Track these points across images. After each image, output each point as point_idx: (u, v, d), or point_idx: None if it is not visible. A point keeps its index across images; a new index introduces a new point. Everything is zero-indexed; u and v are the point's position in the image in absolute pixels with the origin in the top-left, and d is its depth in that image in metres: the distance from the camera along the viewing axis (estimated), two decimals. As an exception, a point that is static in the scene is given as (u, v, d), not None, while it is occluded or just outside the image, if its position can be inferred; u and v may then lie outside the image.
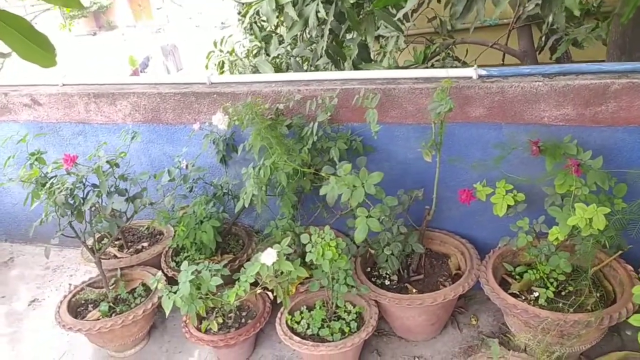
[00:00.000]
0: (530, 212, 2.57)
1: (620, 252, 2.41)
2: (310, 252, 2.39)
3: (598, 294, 2.45)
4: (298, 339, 2.54)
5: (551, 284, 2.52)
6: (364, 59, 4.38)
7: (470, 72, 2.66)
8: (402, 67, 4.82)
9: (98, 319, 2.84)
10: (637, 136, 2.45)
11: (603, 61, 3.77)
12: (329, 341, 2.53)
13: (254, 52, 5.87)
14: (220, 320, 2.79)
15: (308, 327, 2.65)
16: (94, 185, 2.77)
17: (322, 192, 2.35)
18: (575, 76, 2.50)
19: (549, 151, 2.43)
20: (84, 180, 2.70)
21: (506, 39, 5.14)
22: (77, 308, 3.02)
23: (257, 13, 5.86)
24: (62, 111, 3.46)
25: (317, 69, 4.53)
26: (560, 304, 2.39)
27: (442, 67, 4.79)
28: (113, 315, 2.87)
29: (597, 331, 2.34)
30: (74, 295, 3.03)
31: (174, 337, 3.11)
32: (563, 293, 2.51)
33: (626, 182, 2.41)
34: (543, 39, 5.04)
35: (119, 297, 3.02)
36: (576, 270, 2.54)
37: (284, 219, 2.89)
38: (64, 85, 3.50)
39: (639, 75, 2.39)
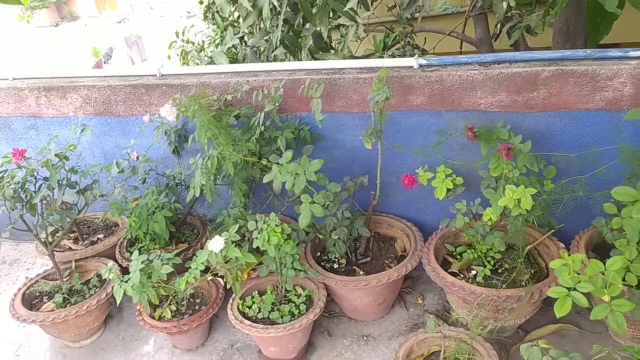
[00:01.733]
0: (469, 194, 2.70)
1: (552, 230, 2.56)
2: (256, 238, 2.47)
3: (532, 271, 2.59)
4: (248, 322, 2.62)
5: (488, 262, 2.65)
6: (320, 49, 4.44)
7: (411, 61, 2.76)
8: (362, 56, 4.91)
9: (52, 310, 2.88)
10: (567, 120, 2.58)
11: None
12: (279, 324, 2.62)
13: (216, 41, 5.87)
14: (173, 307, 2.86)
15: (259, 311, 2.73)
16: (46, 179, 2.79)
17: (265, 180, 2.42)
18: (509, 64, 2.62)
19: (483, 136, 2.54)
20: (35, 173, 2.72)
21: (463, 26, 5.27)
22: (32, 300, 3.04)
23: (214, 2, 5.87)
24: (12, 105, 3.45)
25: (274, 59, 4.59)
26: (495, 281, 2.52)
27: (402, 55, 4.89)
28: (67, 306, 2.91)
29: (529, 305, 2.48)
30: (28, 288, 3.05)
31: (130, 326, 3.16)
32: (499, 271, 2.64)
33: (557, 164, 2.55)
34: (498, 26, 5.18)
35: (73, 288, 3.06)
36: (512, 249, 2.68)
37: (236, 207, 2.95)
38: (14, 79, 3.49)
39: (568, 63, 2.52)
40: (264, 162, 2.50)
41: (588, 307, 1.84)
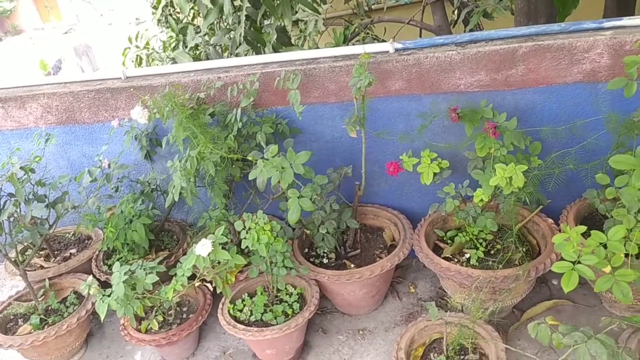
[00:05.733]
0: (455, 177, 2.67)
1: (540, 207, 2.54)
2: (245, 238, 2.37)
3: (524, 249, 2.57)
4: (242, 326, 2.53)
5: (480, 244, 2.63)
6: (283, 44, 4.36)
7: (387, 46, 2.71)
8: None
9: (30, 333, 2.71)
10: (547, 95, 2.57)
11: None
12: (273, 325, 2.53)
13: (172, 45, 5.71)
14: (160, 318, 2.73)
15: (251, 314, 2.63)
16: (10, 195, 2.63)
17: (251, 176, 2.33)
18: (486, 43, 2.59)
19: (467, 117, 2.51)
20: (-1, 190, 2.55)
21: (421, 15, 5.28)
22: (6, 324, 2.86)
23: (171, 4, 5.72)
24: (-33, 120, 3.24)
25: (237, 56, 4.48)
26: (490, 262, 2.50)
27: (362, 45, 4.86)
28: (45, 327, 2.74)
29: (525, 284, 2.47)
30: (1, 311, 2.87)
31: (113, 342, 3.01)
32: (492, 252, 2.62)
33: (540, 140, 2.54)
34: (455, 12, 5.21)
35: (49, 308, 2.89)
36: (502, 229, 2.66)
37: (217, 209, 2.84)
38: (-34, 92, 3.28)
39: (544, 38, 2.51)
40: (250, 157, 2.40)
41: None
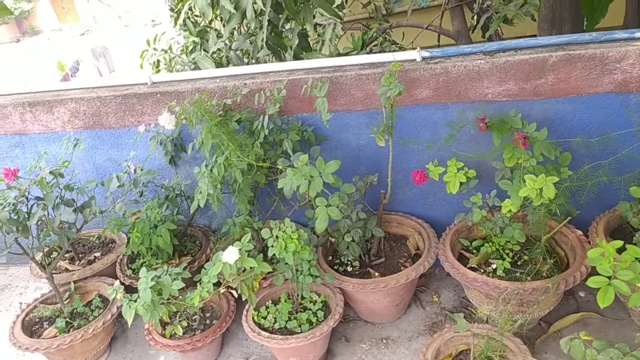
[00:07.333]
0: (482, 187, 2.65)
1: (569, 218, 2.51)
2: (272, 246, 2.37)
3: (552, 261, 2.54)
4: (267, 334, 2.52)
5: (507, 254, 2.60)
6: (304, 49, 4.36)
7: (414, 54, 2.70)
8: (343, 54, 4.85)
9: (55, 336, 2.73)
10: (577, 105, 2.54)
11: (534, 36, 3.91)
12: (298, 333, 2.52)
13: (190, 48, 5.74)
14: (184, 323, 2.74)
15: (275, 321, 2.63)
16: (38, 198, 2.65)
17: (279, 185, 2.33)
18: (515, 52, 2.57)
19: (495, 127, 2.49)
20: (26, 194, 2.57)
21: (440, 20, 5.25)
22: (31, 327, 2.88)
23: (190, 8, 5.74)
24: (-5, 123, 3.28)
25: (257, 61, 4.49)
26: (518, 274, 2.47)
27: (381, 51, 4.85)
28: (71, 330, 2.76)
29: (554, 296, 2.44)
30: (27, 314, 2.90)
31: (136, 346, 3.03)
32: (519, 263, 2.60)
33: (570, 150, 2.51)
34: (475, 18, 5.17)
35: (75, 311, 2.91)
36: (530, 240, 2.63)
37: (241, 215, 2.84)
38: (-6, 96, 3.32)
39: (575, 47, 2.48)
40: (280, 166, 2.40)
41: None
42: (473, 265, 2.62)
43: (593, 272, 1.95)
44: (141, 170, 2.88)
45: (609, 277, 1.80)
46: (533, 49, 2.56)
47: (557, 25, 3.75)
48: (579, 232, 2.58)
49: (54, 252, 3.31)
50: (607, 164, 2.37)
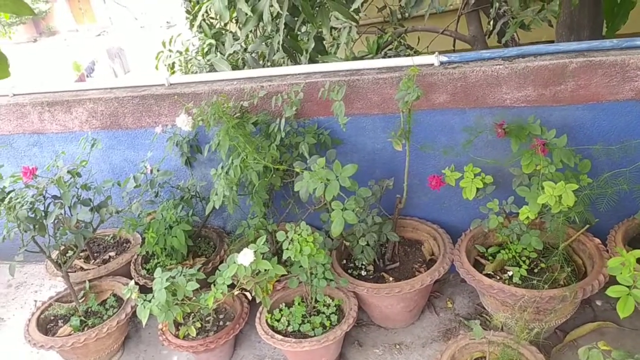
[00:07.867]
0: (499, 193, 2.63)
1: (587, 226, 2.48)
2: (287, 249, 2.36)
3: (569, 269, 2.52)
4: (280, 337, 2.52)
5: (524, 262, 2.58)
6: (320, 52, 4.36)
7: (432, 59, 2.68)
8: (358, 58, 4.84)
9: (70, 334, 2.75)
10: (597, 112, 2.52)
11: (551, 42, 3.88)
12: (311, 336, 2.51)
13: (206, 50, 5.76)
14: (198, 324, 2.74)
15: (288, 324, 2.63)
16: (55, 197, 2.67)
17: (296, 188, 2.32)
18: (534, 57, 2.55)
19: (514, 132, 2.47)
20: (44, 192, 2.59)
21: (456, 25, 5.22)
22: (46, 325, 2.91)
23: (207, 11, 5.76)
24: (14, 122, 3.31)
25: (273, 63, 4.50)
26: (535, 281, 2.45)
27: (396, 55, 4.84)
28: (85, 329, 2.78)
29: (571, 305, 2.41)
30: (42, 312, 2.92)
31: (149, 346, 3.04)
32: (535, 270, 2.57)
33: (590, 157, 2.48)
34: (491, 23, 5.14)
35: (89, 309, 2.93)
36: (547, 247, 2.60)
37: (256, 217, 2.85)
38: (14, 95, 3.35)
39: (595, 54, 2.46)
40: (297, 169, 2.40)
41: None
42: (489, 272, 2.60)
43: (611, 281, 1.92)
44: (157, 171, 2.89)
45: (629, 287, 1.77)
46: (553, 55, 2.54)
47: (575, 31, 3.72)
48: (597, 241, 2.54)
49: (69, 251, 3.34)
50: (627, 172, 2.33)
